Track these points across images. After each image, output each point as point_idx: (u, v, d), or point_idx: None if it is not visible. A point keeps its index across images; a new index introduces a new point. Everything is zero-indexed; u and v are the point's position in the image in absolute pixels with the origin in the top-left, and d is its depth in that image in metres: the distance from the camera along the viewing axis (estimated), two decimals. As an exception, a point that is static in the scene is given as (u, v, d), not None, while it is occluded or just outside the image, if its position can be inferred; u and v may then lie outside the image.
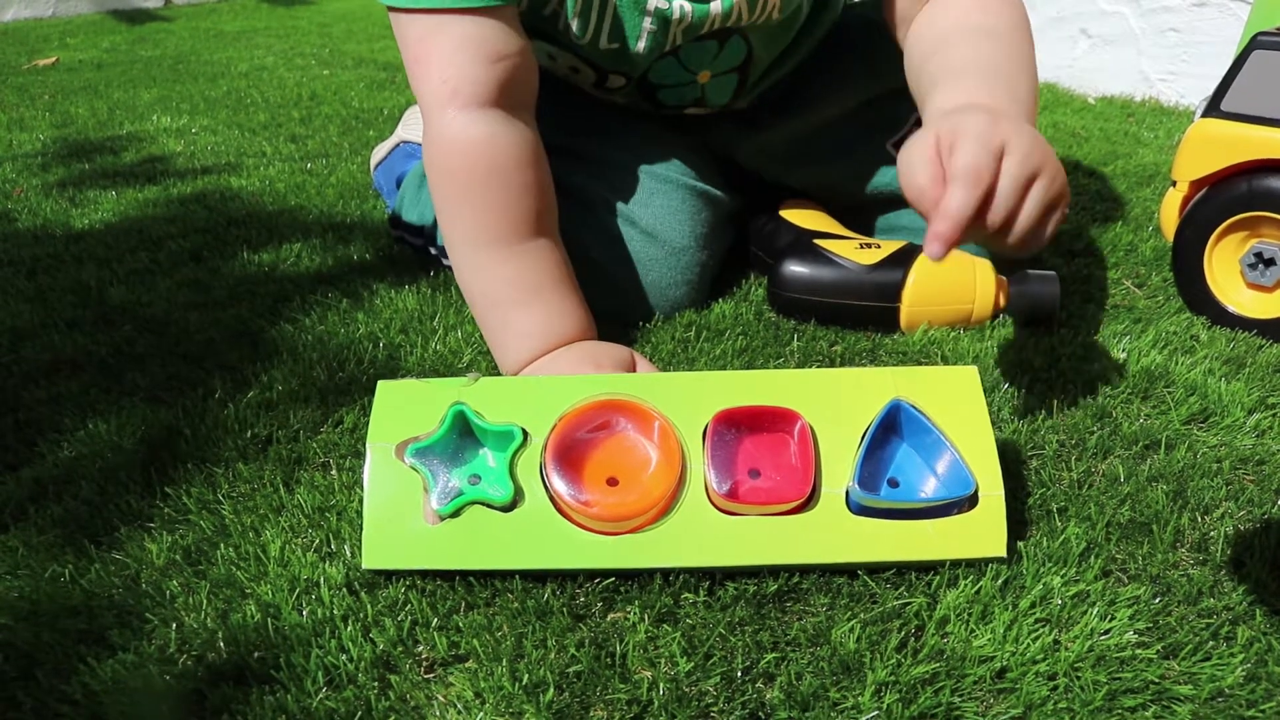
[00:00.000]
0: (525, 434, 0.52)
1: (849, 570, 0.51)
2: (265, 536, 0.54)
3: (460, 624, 0.48)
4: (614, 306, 0.76)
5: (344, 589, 0.50)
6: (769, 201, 0.89)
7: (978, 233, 0.55)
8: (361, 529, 0.51)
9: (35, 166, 1.30)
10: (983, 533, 0.50)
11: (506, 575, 0.50)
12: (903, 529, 0.50)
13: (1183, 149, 0.77)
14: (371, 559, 0.50)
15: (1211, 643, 0.46)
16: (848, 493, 0.51)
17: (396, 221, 0.93)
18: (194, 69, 2.03)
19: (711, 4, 0.74)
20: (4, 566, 0.53)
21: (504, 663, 0.45)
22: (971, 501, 0.51)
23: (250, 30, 2.62)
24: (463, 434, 0.53)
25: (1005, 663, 0.45)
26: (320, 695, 0.44)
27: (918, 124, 0.84)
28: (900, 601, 0.49)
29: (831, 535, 0.50)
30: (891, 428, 0.53)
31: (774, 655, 0.46)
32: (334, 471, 0.60)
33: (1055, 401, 0.65)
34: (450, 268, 0.87)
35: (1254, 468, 0.59)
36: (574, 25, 0.74)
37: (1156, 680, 0.44)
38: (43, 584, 0.51)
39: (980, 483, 0.51)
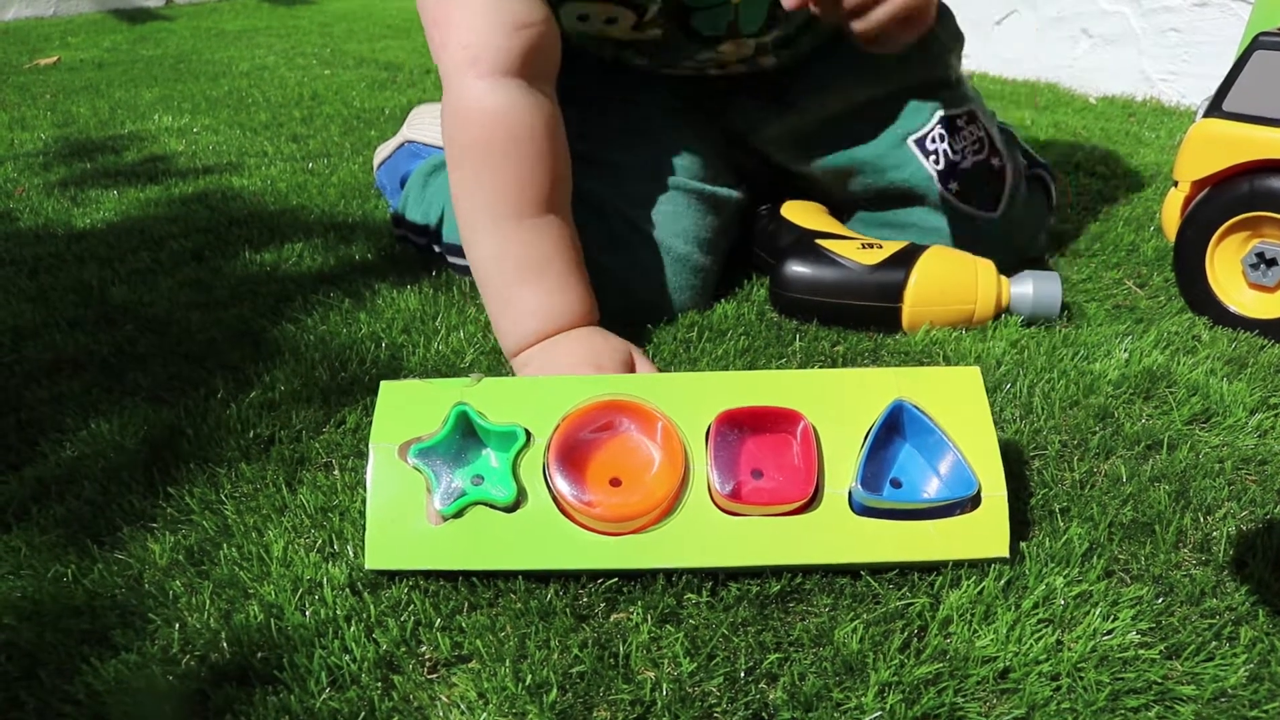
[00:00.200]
0: (528, 434, 0.52)
1: (852, 571, 0.51)
2: (268, 537, 0.54)
3: (463, 624, 0.48)
4: (619, 309, 0.77)
5: (347, 589, 0.50)
6: (772, 199, 0.90)
7: (834, 8, 0.60)
8: (364, 529, 0.51)
9: (37, 166, 1.30)
10: (985, 533, 0.50)
11: (509, 576, 0.51)
12: (905, 529, 0.50)
13: (1184, 149, 0.77)
14: (374, 559, 0.50)
15: (1214, 643, 0.46)
16: (850, 493, 0.51)
17: (400, 221, 0.94)
18: (195, 68, 2.03)
19: None
20: (7, 566, 0.53)
21: (507, 663, 0.45)
22: (974, 502, 0.51)
23: (251, 30, 2.63)
24: (465, 434, 0.53)
25: (1008, 663, 0.45)
26: (323, 696, 0.44)
27: (942, 122, 0.85)
28: (903, 602, 0.49)
29: (834, 536, 0.50)
30: (894, 428, 0.53)
31: (777, 656, 0.46)
32: (337, 472, 0.60)
33: (1057, 402, 0.65)
34: (452, 267, 0.88)
35: (1256, 468, 0.59)
36: None
37: (1159, 680, 0.44)
38: (45, 584, 0.51)
39: (983, 483, 0.51)
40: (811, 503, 0.51)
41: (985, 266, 0.77)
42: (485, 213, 0.69)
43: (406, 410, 0.54)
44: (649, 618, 0.48)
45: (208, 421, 0.65)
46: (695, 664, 0.45)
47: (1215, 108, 0.75)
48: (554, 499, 0.51)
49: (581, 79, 0.85)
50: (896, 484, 0.52)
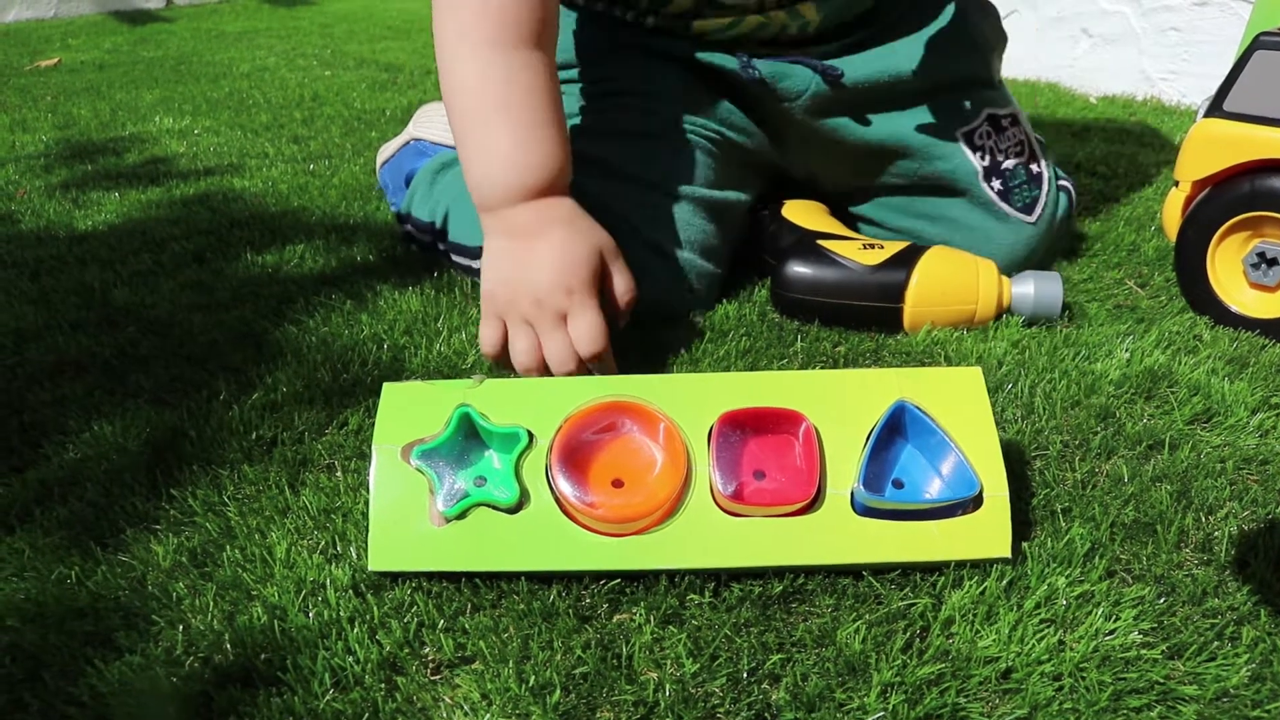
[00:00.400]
0: (530, 436, 0.52)
1: (854, 571, 0.51)
2: (271, 538, 0.54)
3: (466, 625, 0.48)
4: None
5: (350, 591, 0.50)
6: (772, 200, 0.89)
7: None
8: (367, 531, 0.51)
9: (38, 168, 1.30)
10: (987, 533, 0.51)
11: (512, 577, 0.51)
12: (908, 530, 0.50)
13: (1185, 149, 0.77)
14: (377, 561, 0.50)
15: (1216, 643, 0.46)
16: (853, 494, 0.51)
17: (405, 218, 0.93)
18: (196, 70, 2.04)
19: None
20: (10, 569, 0.53)
21: (510, 664, 0.45)
22: (976, 502, 0.51)
23: (252, 31, 2.63)
24: (468, 436, 0.53)
25: (1010, 663, 0.45)
26: (327, 697, 0.44)
27: (988, 119, 0.84)
28: (905, 602, 0.49)
29: (836, 536, 0.50)
30: (896, 429, 0.54)
31: (780, 656, 0.46)
32: (339, 473, 0.60)
33: (1059, 402, 0.65)
34: (456, 267, 0.88)
35: (1258, 468, 0.59)
36: None
37: (1161, 680, 0.44)
38: (49, 586, 0.51)
39: (985, 483, 0.51)
40: (813, 503, 0.51)
41: (986, 267, 0.77)
42: (465, 39, 0.66)
43: (409, 412, 0.54)
44: (652, 618, 0.48)
45: (210, 423, 0.65)
46: (698, 665, 0.45)
47: (1216, 107, 0.75)
48: (556, 500, 0.51)
49: (597, 69, 0.84)
50: (898, 484, 0.52)
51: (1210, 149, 0.75)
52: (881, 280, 0.76)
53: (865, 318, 0.77)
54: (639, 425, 0.53)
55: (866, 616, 0.48)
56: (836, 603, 0.49)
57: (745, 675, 0.45)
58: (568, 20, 0.87)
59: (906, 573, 0.51)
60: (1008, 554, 0.50)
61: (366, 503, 0.54)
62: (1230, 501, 0.56)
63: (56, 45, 2.41)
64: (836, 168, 0.89)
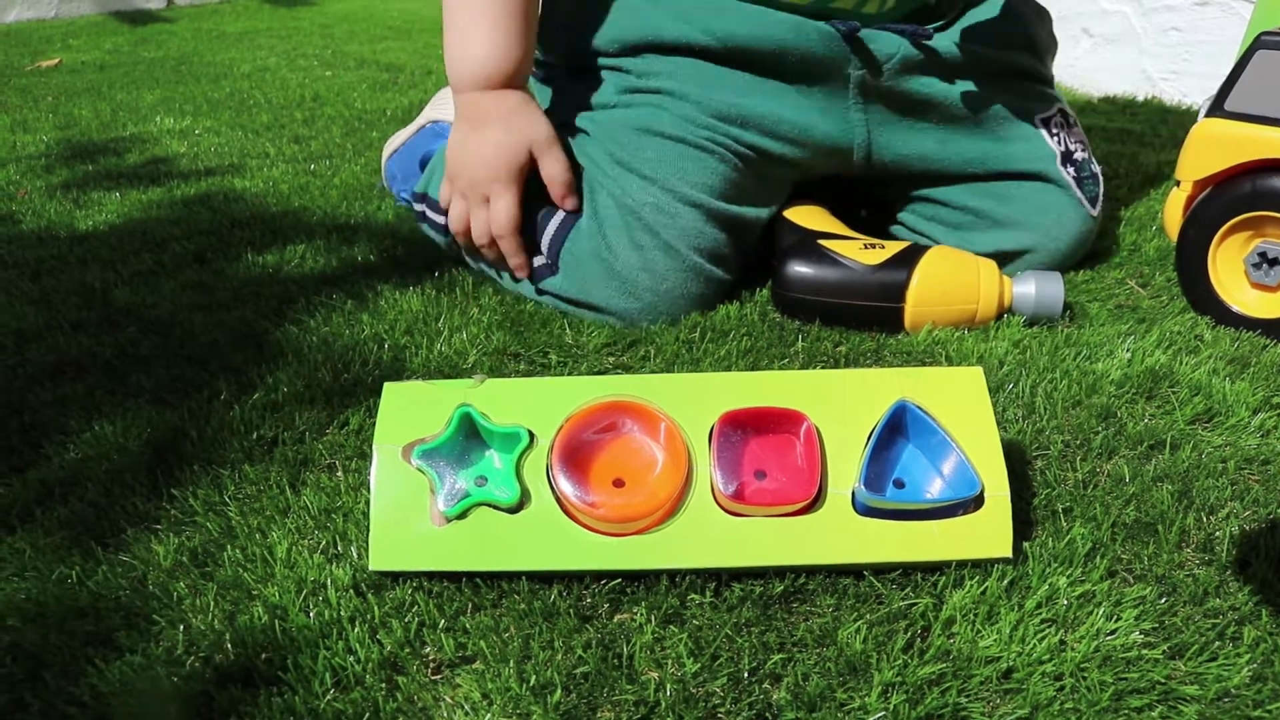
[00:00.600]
0: (531, 435, 0.52)
1: (855, 571, 0.51)
2: (272, 538, 0.54)
3: (467, 625, 0.48)
4: (626, 310, 0.77)
5: (351, 590, 0.50)
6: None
7: None
8: (368, 530, 0.51)
9: (39, 168, 1.30)
10: (988, 533, 0.51)
11: (513, 577, 0.51)
12: (909, 530, 0.50)
13: (1186, 149, 0.77)
14: (378, 560, 0.50)
15: (1218, 643, 0.46)
16: (853, 493, 0.51)
17: (422, 198, 0.92)
18: (196, 70, 2.04)
19: None
20: (11, 568, 0.53)
21: (511, 664, 0.45)
22: (977, 502, 0.51)
23: (252, 31, 2.63)
24: (469, 436, 0.53)
25: (1011, 663, 0.45)
26: (328, 697, 0.44)
27: (1060, 111, 0.87)
28: (906, 602, 0.49)
29: (837, 536, 0.50)
30: (897, 428, 0.53)
31: (780, 656, 0.46)
32: (340, 473, 0.60)
33: (1060, 402, 0.65)
34: (460, 264, 0.88)
35: (1259, 467, 0.59)
36: None
37: (1163, 680, 0.44)
38: (50, 586, 0.51)
39: (986, 483, 0.51)
40: (815, 503, 0.51)
41: (987, 266, 0.77)
42: None
43: (410, 411, 0.54)
44: (653, 618, 0.48)
45: (211, 423, 0.65)
46: (699, 664, 0.45)
47: (1217, 107, 0.75)
48: (557, 500, 0.51)
49: (642, 63, 0.83)
50: (899, 484, 0.52)
51: (1211, 149, 0.75)
52: (882, 280, 0.76)
53: (866, 317, 0.77)
54: (640, 425, 0.53)
55: (868, 616, 0.48)
56: (837, 602, 0.49)
57: (746, 675, 0.45)
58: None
59: (907, 572, 0.51)
60: (1009, 554, 0.50)
61: (367, 502, 0.54)
62: (1231, 501, 0.56)
63: (57, 45, 2.41)
64: (921, 141, 0.86)
